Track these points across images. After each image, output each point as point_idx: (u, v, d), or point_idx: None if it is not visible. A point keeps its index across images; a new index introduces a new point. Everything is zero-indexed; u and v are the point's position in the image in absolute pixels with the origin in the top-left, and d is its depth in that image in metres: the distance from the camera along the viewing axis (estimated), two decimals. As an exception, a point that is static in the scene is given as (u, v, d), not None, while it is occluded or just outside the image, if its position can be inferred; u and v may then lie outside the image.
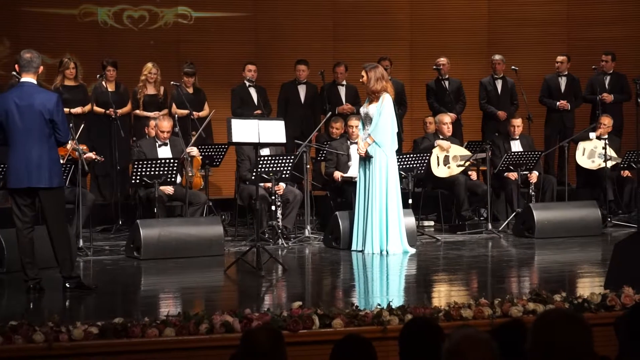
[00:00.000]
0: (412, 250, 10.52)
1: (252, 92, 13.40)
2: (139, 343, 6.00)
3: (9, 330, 5.91)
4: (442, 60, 14.03)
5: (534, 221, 11.54)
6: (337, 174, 11.99)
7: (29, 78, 8.17)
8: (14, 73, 8.48)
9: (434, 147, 12.51)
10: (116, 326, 6.03)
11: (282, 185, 11.45)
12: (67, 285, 8.14)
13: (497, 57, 14.28)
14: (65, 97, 12.15)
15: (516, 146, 12.82)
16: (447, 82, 14.02)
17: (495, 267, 9.92)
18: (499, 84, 14.22)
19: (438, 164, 12.46)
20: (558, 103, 14.19)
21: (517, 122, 12.93)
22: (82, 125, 11.26)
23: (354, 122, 11.88)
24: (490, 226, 11.98)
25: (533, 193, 12.33)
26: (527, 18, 15.97)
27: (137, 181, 10.87)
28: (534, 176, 12.45)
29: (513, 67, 13.91)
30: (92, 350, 5.93)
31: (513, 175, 12.37)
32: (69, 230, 8.78)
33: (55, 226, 8.13)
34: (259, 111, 13.07)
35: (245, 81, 13.40)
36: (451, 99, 13.82)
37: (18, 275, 8.36)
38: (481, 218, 12.88)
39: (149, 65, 13.12)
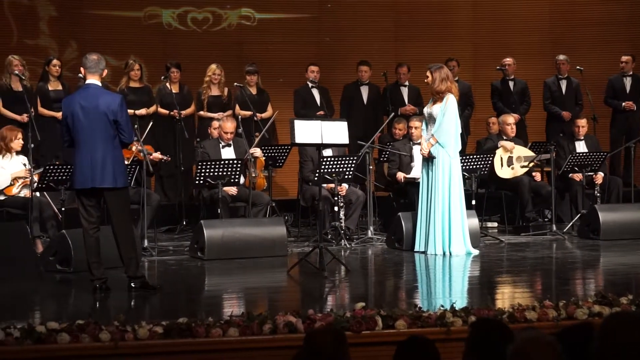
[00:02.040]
0: (476, 252, 10.47)
1: (315, 93, 13.43)
2: (203, 343, 6.05)
3: (76, 329, 5.99)
4: (508, 60, 13.93)
5: (599, 223, 11.42)
6: (400, 175, 11.96)
7: (94, 80, 8.27)
8: (80, 75, 8.58)
9: (497, 148, 12.42)
10: (180, 326, 6.08)
11: (345, 186, 11.44)
12: (132, 285, 8.22)
13: (562, 57, 14.12)
14: (130, 98, 12.29)
15: (581, 147, 12.68)
16: (512, 83, 13.91)
17: (560, 269, 9.82)
18: (563, 85, 14.07)
19: (502, 165, 12.37)
20: (624, 104, 14.01)
21: (582, 122, 12.78)
22: (149, 126, 11.34)
23: (415, 123, 11.84)
24: (554, 228, 11.87)
25: (598, 194, 12.19)
26: (591, 17, 15.79)
27: (201, 182, 10.92)
28: (599, 177, 12.30)
29: (578, 67, 13.78)
30: (157, 350, 5.99)
31: (578, 177, 12.24)
32: (134, 231, 8.86)
33: (120, 226, 8.20)
34: (321, 112, 13.09)
35: (308, 82, 13.44)
36: (515, 99, 13.72)
37: (85, 275, 8.45)
38: (545, 219, 12.76)
39: (213, 66, 13.19)
